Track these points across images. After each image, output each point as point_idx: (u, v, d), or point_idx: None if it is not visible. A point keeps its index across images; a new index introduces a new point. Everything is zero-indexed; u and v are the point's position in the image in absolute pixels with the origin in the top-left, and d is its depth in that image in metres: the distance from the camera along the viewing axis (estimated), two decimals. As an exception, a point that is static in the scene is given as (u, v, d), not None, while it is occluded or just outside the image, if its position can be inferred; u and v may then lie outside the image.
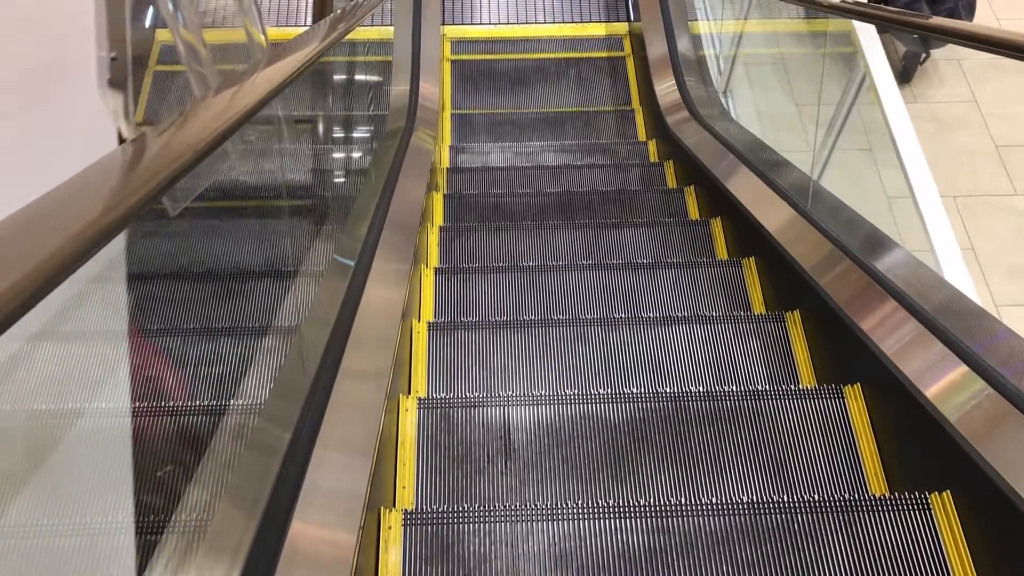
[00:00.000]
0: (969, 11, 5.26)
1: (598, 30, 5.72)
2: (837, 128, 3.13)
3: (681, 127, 4.28)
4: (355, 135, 3.56)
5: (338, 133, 3.40)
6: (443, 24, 5.58)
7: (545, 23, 5.74)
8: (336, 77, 3.39)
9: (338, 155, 3.56)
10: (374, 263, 2.41)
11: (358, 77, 3.80)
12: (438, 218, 3.65)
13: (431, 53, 4.90)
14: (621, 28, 5.71)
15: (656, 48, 4.96)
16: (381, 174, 3.20)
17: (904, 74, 5.47)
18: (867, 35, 3.38)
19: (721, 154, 3.71)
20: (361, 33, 3.50)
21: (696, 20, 5.07)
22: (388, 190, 3.03)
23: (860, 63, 3.31)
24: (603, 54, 5.60)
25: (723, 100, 4.54)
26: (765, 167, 3.34)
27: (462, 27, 5.72)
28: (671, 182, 4.13)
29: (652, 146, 4.70)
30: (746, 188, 3.30)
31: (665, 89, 4.69)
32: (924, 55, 5.44)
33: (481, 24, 5.74)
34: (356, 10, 2.75)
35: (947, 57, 5.47)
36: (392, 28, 4.81)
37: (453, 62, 5.51)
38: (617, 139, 4.93)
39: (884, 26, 3.04)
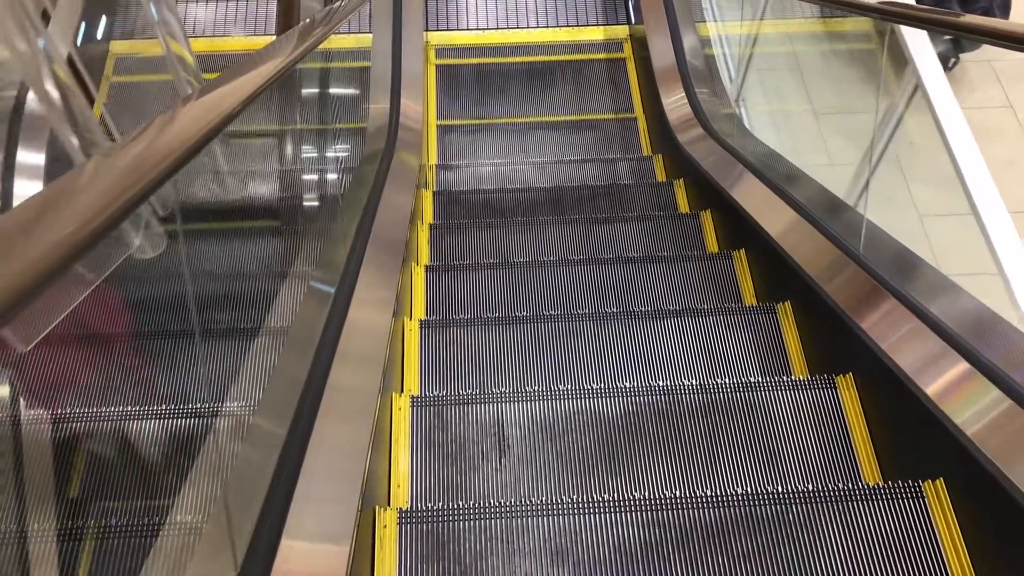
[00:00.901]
0: (1004, 10, 4.90)
1: (596, 34, 5.33)
2: (883, 144, 2.79)
3: (695, 146, 3.86)
4: (322, 170, 2.89)
5: (303, 166, 2.74)
6: (427, 31, 5.18)
7: (538, 27, 5.33)
8: (303, 97, 2.82)
9: (301, 192, 2.82)
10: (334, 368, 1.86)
11: (330, 95, 3.31)
12: (423, 255, 3.24)
13: (414, 66, 4.47)
14: (621, 32, 5.32)
15: (662, 54, 4.56)
16: (353, 214, 2.70)
17: (930, 79, 5.11)
18: (916, 38, 3.05)
19: (743, 176, 3.31)
20: (336, 42, 3.18)
21: (705, 21, 4.67)
22: (361, 239, 2.50)
23: (909, 70, 2.98)
24: (601, 56, 5.23)
25: (737, 109, 4.13)
26: (795, 192, 2.98)
27: (448, 34, 5.31)
28: (683, 204, 3.74)
29: (658, 162, 4.30)
30: (774, 217, 2.91)
31: (674, 102, 4.28)
32: (954, 59, 5.01)
33: (469, 30, 5.32)
34: (329, 19, 2.46)
35: (978, 59, 5.05)
36: (371, 36, 4.33)
37: (439, 69, 5.09)
38: (620, 153, 4.58)
39: (922, 26, 2.76)
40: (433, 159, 4.47)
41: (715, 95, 4.23)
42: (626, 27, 5.31)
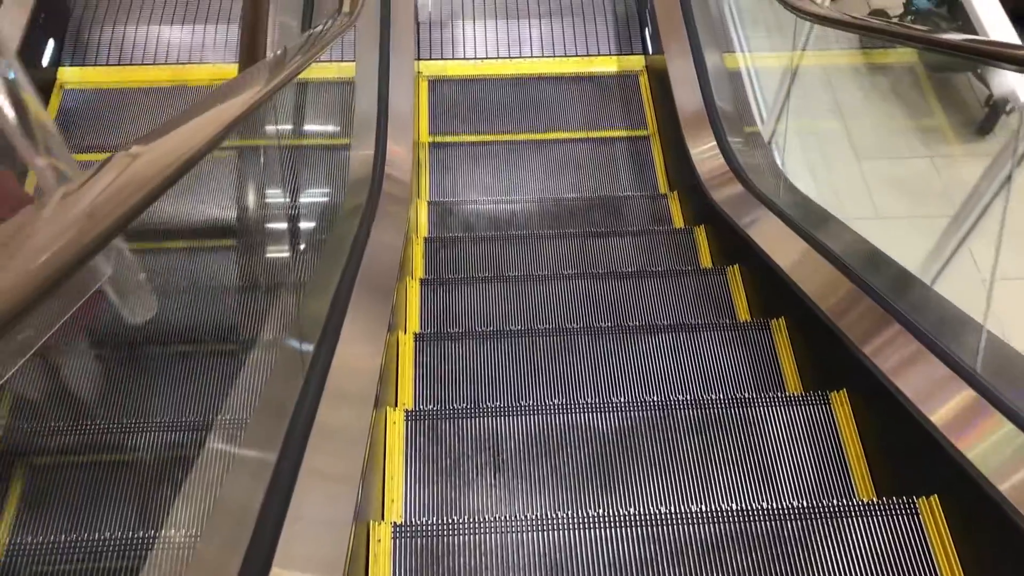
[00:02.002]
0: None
1: (608, 65, 4.78)
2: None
3: (740, 210, 3.23)
4: (288, 236, 2.30)
5: (270, 231, 2.22)
6: (418, 59, 4.66)
7: (543, 56, 4.78)
8: (261, 154, 2.23)
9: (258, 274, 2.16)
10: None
11: (301, 143, 2.76)
12: (406, 386, 2.56)
13: (402, 104, 3.89)
14: (636, 63, 4.79)
15: (686, 92, 3.99)
16: (323, 297, 2.20)
17: (984, 125, 4.41)
18: None
19: (821, 268, 2.64)
20: (317, 71, 2.58)
21: (733, 52, 4.12)
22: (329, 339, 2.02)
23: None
24: (614, 86, 4.72)
25: (776, 157, 3.49)
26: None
27: (443, 63, 4.76)
28: (740, 302, 3.01)
29: (701, 236, 3.50)
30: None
31: (704, 152, 3.65)
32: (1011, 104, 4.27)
33: (466, 59, 4.78)
34: (305, 50, 2.10)
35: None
36: (354, 67, 3.82)
37: (432, 103, 4.58)
38: (648, 225, 3.87)
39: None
40: (424, 226, 3.87)
41: (748, 143, 3.69)
42: (641, 58, 4.81)
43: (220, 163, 1.73)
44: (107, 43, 4.56)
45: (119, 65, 4.54)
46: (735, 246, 3.15)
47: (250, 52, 2.56)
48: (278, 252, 2.23)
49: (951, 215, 2.37)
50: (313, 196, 2.77)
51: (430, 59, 4.79)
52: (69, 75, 4.46)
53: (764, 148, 3.59)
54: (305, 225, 2.55)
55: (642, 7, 4.86)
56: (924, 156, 4.20)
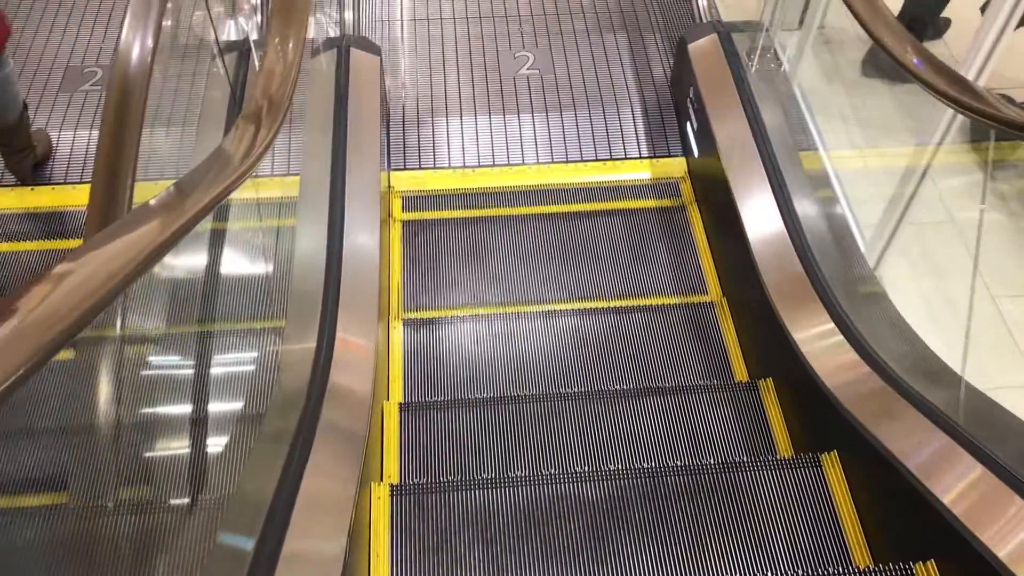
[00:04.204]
0: None
1: (638, 170, 3.55)
2: None
3: (914, 447, 1.95)
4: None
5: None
6: (388, 169, 3.49)
7: (552, 162, 3.56)
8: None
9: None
10: None
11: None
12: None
13: (364, 249, 2.68)
14: (676, 168, 3.57)
15: (761, 224, 2.79)
16: None
17: None
18: None
19: None
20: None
21: (816, 149, 3.04)
22: None
23: None
24: (650, 202, 3.45)
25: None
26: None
27: (421, 174, 3.54)
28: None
29: (834, 472, 2.28)
30: None
31: (816, 333, 2.41)
32: None
33: (452, 167, 3.55)
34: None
35: None
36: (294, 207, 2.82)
37: (406, 234, 3.32)
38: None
39: None
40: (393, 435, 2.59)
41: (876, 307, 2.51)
42: (683, 161, 3.59)
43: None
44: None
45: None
46: (912, 502, 1.90)
47: (103, 207, 1.54)
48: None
49: None
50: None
51: (404, 168, 3.56)
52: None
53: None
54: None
55: (680, 93, 3.64)
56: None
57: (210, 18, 2.77)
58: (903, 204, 2.67)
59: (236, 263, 2.44)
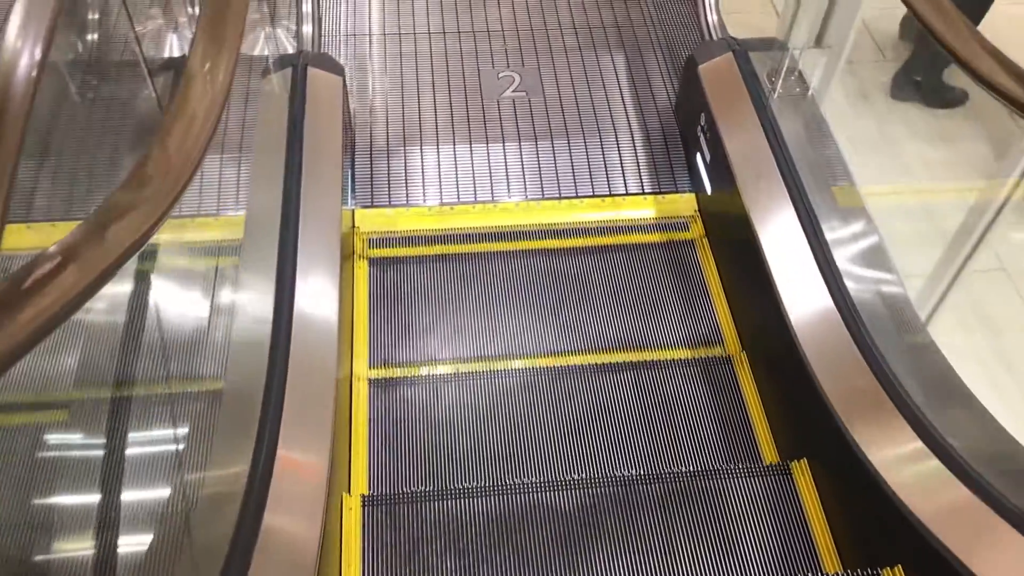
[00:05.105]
0: None
1: (640, 208, 3.09)
2: None
3: None
4: None
5: None
6: (352, 206, 3.02)
7: (543, 198, 3.09)
8: None
9: None
10: None
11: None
12: None
13: (319, 306, 2.20)
14: (684, 206, 3.11)
15: (793, 276, 2.34)
16: None
17: None
18: None
19: None
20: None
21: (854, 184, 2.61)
22: None
23: None
24: (655, 236, 2.98)
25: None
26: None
27: (390, 212, 3.05)
28: None
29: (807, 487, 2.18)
30: None
31: (882, 436, 1.91)
32: None
33: (427, 204, 3.08)
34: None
35: None
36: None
37: (372, 285, 2.82)
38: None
39: None
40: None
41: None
42: (692, 198, 3.12)
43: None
44: None
45: None
46: None
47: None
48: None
49: None
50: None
51: (372, 206, 3.07)
52: None
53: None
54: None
55: (688, 119, 3.19)
56: None
57: (133, 29, 2.31)
58: (967, 250, 2.24)
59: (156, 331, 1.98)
